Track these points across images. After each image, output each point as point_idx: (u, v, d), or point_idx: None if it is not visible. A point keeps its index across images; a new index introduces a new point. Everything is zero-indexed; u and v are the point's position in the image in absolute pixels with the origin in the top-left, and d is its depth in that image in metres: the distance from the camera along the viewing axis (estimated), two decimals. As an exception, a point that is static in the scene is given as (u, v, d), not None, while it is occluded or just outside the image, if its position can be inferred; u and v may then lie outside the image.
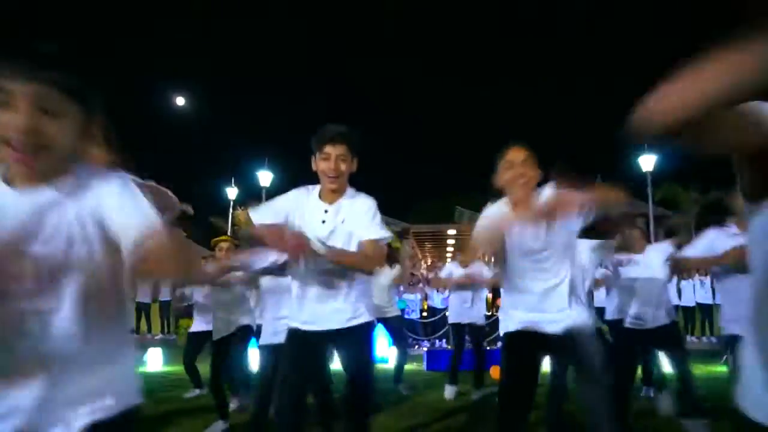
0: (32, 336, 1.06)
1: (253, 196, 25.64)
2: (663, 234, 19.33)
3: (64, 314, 1.08)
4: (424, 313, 9.65)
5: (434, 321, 11.13)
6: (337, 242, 2.31)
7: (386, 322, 5.78)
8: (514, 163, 2.46)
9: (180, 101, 20.03)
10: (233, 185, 25.18)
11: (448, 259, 21.30)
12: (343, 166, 2.37)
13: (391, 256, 5.83)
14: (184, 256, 1.15)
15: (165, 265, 1.09)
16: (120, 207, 1.11)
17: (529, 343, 2.45)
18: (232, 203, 24.74)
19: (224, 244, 4.30)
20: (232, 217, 23.26)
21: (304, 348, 2.38)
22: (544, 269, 2.45)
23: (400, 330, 6.17)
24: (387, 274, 5.74)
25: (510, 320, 2.53)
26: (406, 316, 10.25)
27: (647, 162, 18.92)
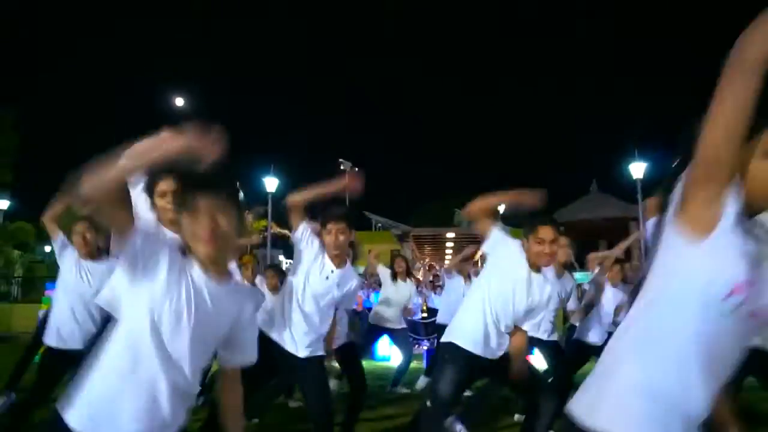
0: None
1: (256, 200, 25.72)
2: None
3: None
4: (425, 315, 9.77)
5: (434, 321, 11.12)
6: (328, 297, 2.98)
7: (392, 333, 5.84)
8: (545, 240, 2.76)
9: (180, 102, 19.95)
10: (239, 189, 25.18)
11: (447, 262, 21.26)
12: (342, 238, 2.95)
13: (408, 270, 5.96)
14: None
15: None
16: (244, 333, 1.61)
17: None
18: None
19: (249, 263, 4.89)
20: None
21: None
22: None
23: (406, 341, 6.20)
24: (404, 288, 5.79)
25: None
26: (408, 318, 10.27)
27: (637, 169, 19.51)
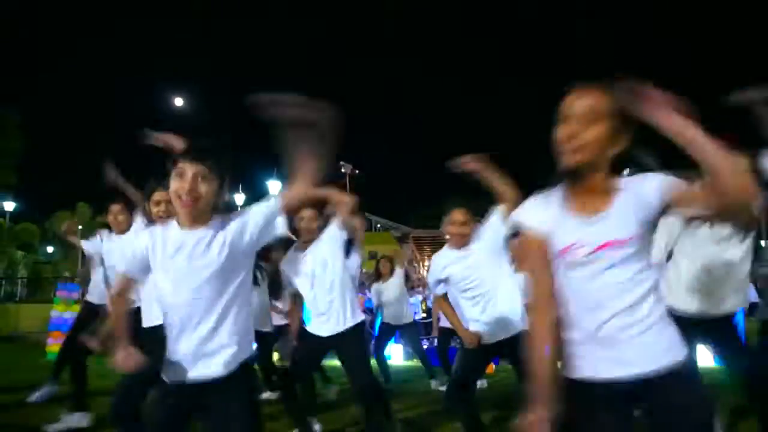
0: None
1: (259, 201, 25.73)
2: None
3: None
4: (424, 314, 9.84)
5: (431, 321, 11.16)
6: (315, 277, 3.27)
7: (400, 329, 5.89)
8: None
9: (179, 103, 19.87)
10: (240, 191, 25.43)
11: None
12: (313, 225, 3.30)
13: (392, 269, 5.96)
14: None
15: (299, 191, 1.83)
16: (250, 216, 1.81)
17: None
18: (239, 209, 24.87)
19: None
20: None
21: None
22: None
23: (414, 336, 6.18)
24: (393, 284, 5.84)
25: None
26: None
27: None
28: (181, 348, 1.73)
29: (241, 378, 1.75)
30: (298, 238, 3.34)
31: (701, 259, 2.62)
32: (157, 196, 2.62)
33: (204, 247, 1.72)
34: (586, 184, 1.40)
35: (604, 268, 1.36)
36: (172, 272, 1.74)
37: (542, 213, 1.46)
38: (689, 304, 2.63)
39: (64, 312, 7.49)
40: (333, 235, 3.22)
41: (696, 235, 2.64)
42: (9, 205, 27.71)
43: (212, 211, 1.77)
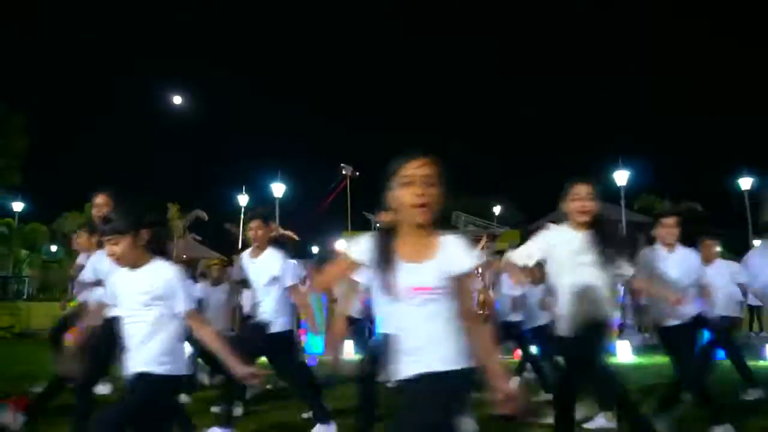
0: None
1: (262, 203, 26.05)
2: (645, 239, 19.71)
3: None
4: None
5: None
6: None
7: None
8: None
9: (178, 100, 20.00)
10: (244, 193, 25.54)
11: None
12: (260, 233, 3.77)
13: None
14: None
15: None
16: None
17: None
18: (243, 210, 25.09)
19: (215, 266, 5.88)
20: (244, 224, 23.49)
21: None
22: None
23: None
24: None
25: None
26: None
27: (621, 177, 20.93)
28: None
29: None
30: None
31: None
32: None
33: None
34: (418, 236, 1.76)
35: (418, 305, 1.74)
36: None
37: (368, 251, 1.81)
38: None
39: (81, 310, 7.95)
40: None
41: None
42: (18, 206, 27.77)
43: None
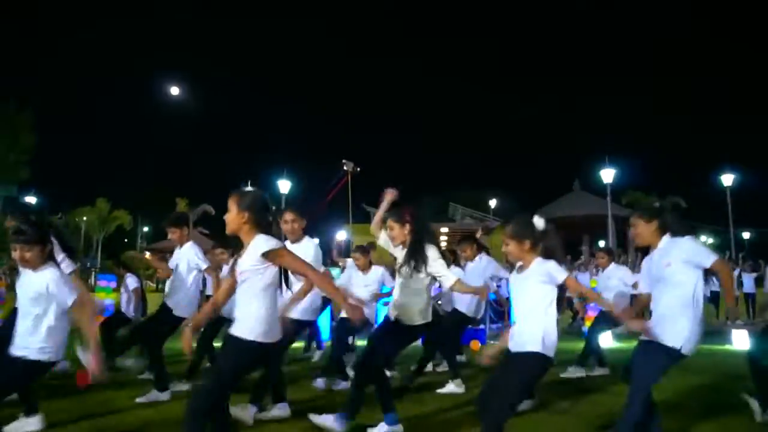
0: None
1: (270, 199, 26.39)
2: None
3: None
4: None
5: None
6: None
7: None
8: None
9: (176, 92, 19.94)
10: (249, 187, 25.61)
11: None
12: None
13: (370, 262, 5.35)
14: None
15: None
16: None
17: None
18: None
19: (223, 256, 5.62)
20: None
21: None
22: None
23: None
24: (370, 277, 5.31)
25: None
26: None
27: (607, 175, 21.65)
28: None
29: None
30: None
31: None
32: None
33: None
34: None
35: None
36: None
37: None
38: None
39: (105, 299, 7.99)
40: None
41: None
42: (31, 200, 27.83)
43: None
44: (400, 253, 3.36)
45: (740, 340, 7.12)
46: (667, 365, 2.71)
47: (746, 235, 34.59)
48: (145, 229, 44.79)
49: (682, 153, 55.44)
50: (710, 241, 26.55)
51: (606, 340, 7.46)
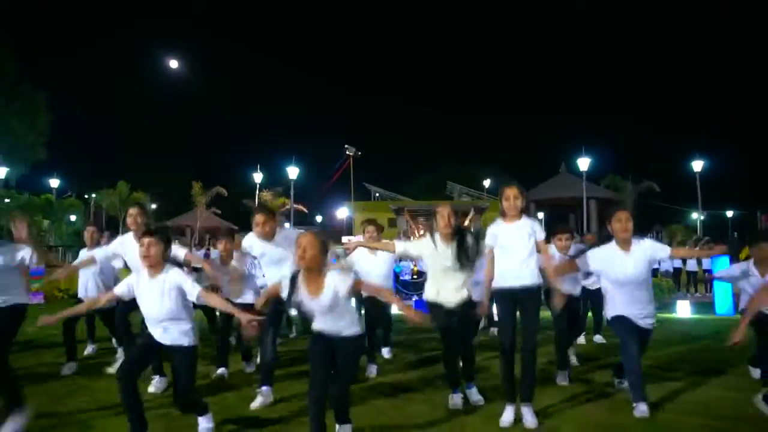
0: None
1: (276, 181, 26.68)
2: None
3: None
4: (415, 276, 10.34)
5: (422, 281, 11.46)
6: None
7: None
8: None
9: (174, 65, 19.58)
10: (259, 171, 25.76)
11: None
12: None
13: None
14: None
15: None
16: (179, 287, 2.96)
17: None
18: (258, 186, 25.65)
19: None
20: (259, 198, 24.11)
21: None
22: None
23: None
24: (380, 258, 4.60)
25: None
26: (402, 278, 10.61)
27: (583, 163, 22.43)
28: None
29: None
30: None
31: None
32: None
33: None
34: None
35: None
36: None
37: None
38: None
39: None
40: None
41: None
42: (54, 182, 27.71)
43: None
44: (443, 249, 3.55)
45: (683, 310, 8.16)
46: None
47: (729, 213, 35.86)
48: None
49: (653, 140, 55.66)
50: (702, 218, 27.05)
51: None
